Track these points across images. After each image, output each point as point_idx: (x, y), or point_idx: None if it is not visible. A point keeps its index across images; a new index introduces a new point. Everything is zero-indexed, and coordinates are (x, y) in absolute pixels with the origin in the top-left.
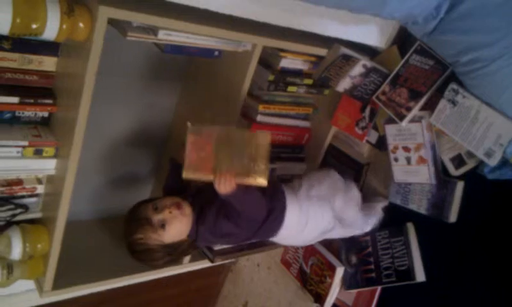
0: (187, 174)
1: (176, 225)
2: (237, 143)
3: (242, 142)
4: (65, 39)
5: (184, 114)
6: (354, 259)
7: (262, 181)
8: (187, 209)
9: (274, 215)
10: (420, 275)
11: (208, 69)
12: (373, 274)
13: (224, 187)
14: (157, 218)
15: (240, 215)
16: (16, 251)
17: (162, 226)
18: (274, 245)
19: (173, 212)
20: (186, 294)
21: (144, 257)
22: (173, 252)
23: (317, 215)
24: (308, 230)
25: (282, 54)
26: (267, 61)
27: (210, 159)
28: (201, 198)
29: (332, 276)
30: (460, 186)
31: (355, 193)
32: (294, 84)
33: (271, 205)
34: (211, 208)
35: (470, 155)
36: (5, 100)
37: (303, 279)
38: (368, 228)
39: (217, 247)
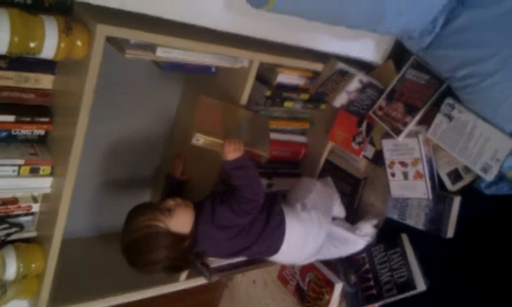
0: (198, 134)
1: (181, 212)
2: (244, 118)
3: (248, 119)
4: (63, 57)
5: (181, 132)
6: (353, 278)
7: (265, 153)
8: (189, 202)
9: (273, 223)
10: (421, 285)
11: (206, 85)
12: (374, 291)
13: (234, 151)
14: (163, 206)
15: (236, 196)
16: (11, 271)
17: (169, 210)
18: (271, 262)
19: (177, 200)
20: None
21: (148, 246)
22: (176, 247)
23: (314, 224)
24: (309, 242)
25: (279, 69)
26: (264, 76)
27: (219, 126)
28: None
29: (330, 293)
30: (457, 201)
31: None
32: (290, 99)
33: (268, 212)
34: (207, 201)
35: (467, 170)
36: (1, 118)
37: (300, 295)
38: (362, 246)
39: (213, 265)
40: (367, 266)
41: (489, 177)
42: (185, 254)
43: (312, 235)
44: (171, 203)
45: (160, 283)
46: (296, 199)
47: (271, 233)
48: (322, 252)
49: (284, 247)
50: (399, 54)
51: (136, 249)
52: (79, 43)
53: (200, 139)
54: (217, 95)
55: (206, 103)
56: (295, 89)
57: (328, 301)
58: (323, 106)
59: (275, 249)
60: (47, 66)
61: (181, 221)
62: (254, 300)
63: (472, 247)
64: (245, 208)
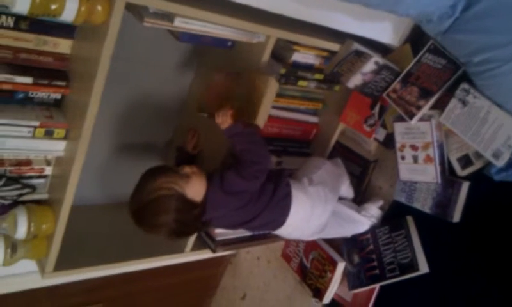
0: (201, 110)
1: (197, 180)
2: (242, 85)
3: (247, 84)
4: (83, 22)
5: (194, 105)
6: (356, 258)
7: (251, 121)
8: (203, 172)
9: (279, 194)
10: (424, 266)
11: (221, 58)
12: (376, 271)
13: (224, 122)
14: (181, 171)
15: (241, 161)
16: (22, 230)
17: (187, 176)
18: (276, 238)
19: (193, 168)
20: (185, 284)
21: (164, 207)
22: (188, 212)
23: (321, 199)
24: (314, 217)
25: (295, 47)
26: (279, 53)
27: (219, 98)
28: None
29: (333, 271)
30: (466, 186)
31: (342, 168)
32: (304, 78)
33: (275, 184)
34: (216, 171)
35: (478, 155)
36: (19, 79)
37: (303, 273)
38: (367, 227)
39: (219, 238)
40: (371, 247)
41: (500, 163)
42: (194, 221)
43: (317, 210)
44: (188, 169)
45: (165, 253)
46: (303, 174)
47: (277, 205)
48: (328, 230)
49: (289, 221)
50: (416, 38)
51: (152, 209)
52: (99, 7)
53: (203, 115)
54: (231, 68)
55: (215, 77)
56: (310, 68)
57: (330, 279)
58: (337, 87)
59: (281, 221)
60: (66, 30)
61: (196, 188)
62: (256, 277)
63: (478, 233)
64: (251, 171)
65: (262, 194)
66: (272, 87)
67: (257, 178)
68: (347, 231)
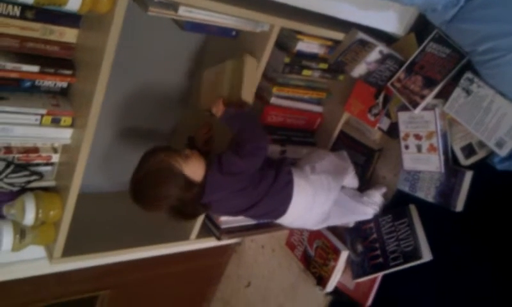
0: (200, 106)
1: (196, 161)
2: (228, 73)
3: (233, 70)
4: (88, 11)
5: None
6: (359, 247)
7: (242, 98)
8: (203, 156)
9: (281, 181)
10: (427, 254)
11: (225, 49)
12: (380, 259)
13: (216, 110)
14: (182, 151)
15: (237, 141)
16: (30, 217)
17: (186, 156)
18: (280, 227)
19: (193, 151)
20: (190, 272)
21: (162, 179)
22: (186, 189)
23: (324, 187)
24: (316, 206)
25: (299, 36)
26: (283, 43)
27: (214, 95)
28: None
29: (336, 259)
30: (469, 176)
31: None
32: (309, 67)
33: (277, 171)
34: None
35: (481, 145)
36: (26, 68)
37: (307, 261)
38: (370, 215)
39: (224, 226)
40: (374, 235)
41: (503, 152)
42: (193, 201)
43: (319, 198)
44: (188, 151)
45: (170, 240)
46: (305, 163)
47: (279, 192)
48: (331, 219)
49: (291, 210)
50: (421, 27)
51: (150, 181)
52: None
53: (208, 114)
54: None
55: (205, 77)
56: (314, 57)
57: (333, 267)
58: (341, 77)
59: (282, 210)
60: (72, 19)
61: (195, 168)
62: (261, 265)
63: (481, 222)
64: (247, 148)
65: (262, 180)
66: (248, 63)
67: (254, 156)
68: (351, 218)
